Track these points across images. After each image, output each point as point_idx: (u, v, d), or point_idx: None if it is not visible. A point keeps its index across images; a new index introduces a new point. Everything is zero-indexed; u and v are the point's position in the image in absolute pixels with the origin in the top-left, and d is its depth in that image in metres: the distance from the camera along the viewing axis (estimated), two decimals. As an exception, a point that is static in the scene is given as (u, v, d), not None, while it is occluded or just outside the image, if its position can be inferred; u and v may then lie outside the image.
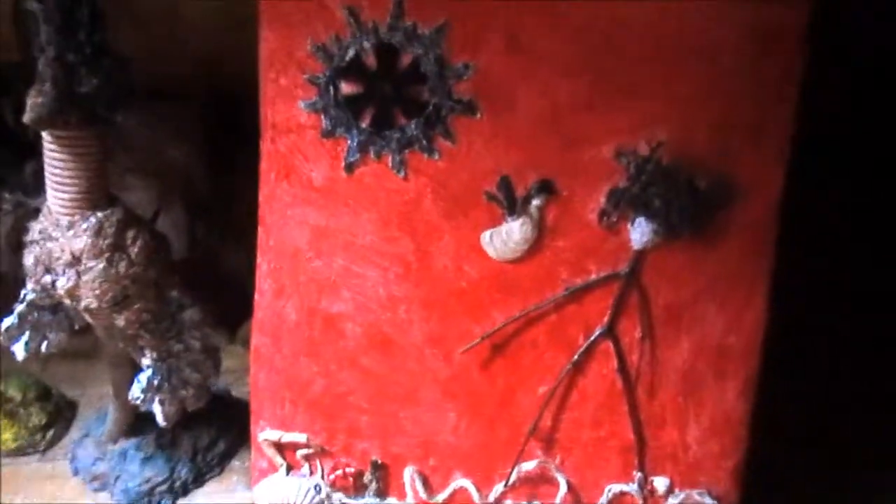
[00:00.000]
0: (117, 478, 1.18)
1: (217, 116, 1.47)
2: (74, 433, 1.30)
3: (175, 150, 1.54)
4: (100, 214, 0.94)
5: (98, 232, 0.93)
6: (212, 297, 1.20)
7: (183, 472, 1.19)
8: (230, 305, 1.33)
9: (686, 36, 0.88)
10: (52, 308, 1.03)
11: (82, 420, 1.32)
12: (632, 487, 1.03)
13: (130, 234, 0.95)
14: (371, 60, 0.90)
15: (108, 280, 0.94)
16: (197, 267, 1.54)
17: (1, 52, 1.18)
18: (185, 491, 1.19)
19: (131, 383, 1.07)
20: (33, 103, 0.86)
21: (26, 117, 0.86)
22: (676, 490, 1.03)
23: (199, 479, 1.20)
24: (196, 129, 1.51)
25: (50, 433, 1.28)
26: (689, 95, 0.90)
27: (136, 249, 0.95)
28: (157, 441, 1.21)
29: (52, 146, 0.91)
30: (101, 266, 0.93)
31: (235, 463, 1.24)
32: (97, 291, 0.94)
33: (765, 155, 0.92)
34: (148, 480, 1.17)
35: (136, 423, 1.21)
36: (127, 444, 1.21)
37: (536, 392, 1.01)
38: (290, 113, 0.93)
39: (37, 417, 1.27)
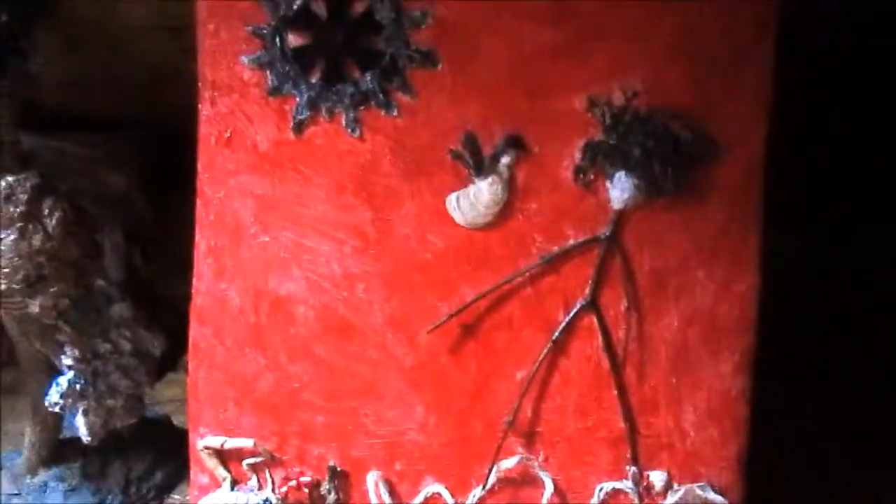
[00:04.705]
0: (36, 514, 1.07)
1: (156, 149, 1.43)
2: (-12, 472, 1.18)
3: (113, 177, 1.48)
4: (10, 178, 0.84)
5: (8, 198, 0.82)
6: (150, 324, 1.12)
7: (113, 505, 1.08)
8: (169, 334, 1.24)
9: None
10: (-44, 303, 0.90)
11: (-2, 458, 1.21)
12: (626, 484, 0.93)
13: (47, 203, 0.85)
14: (321, 9, 0.86)
15: (19, 255, 0.83)
16: (135, 293, 1.45)
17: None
18: (116, 527, 1.09)
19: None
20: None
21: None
22: (675, 485, 0.93)
23: (131, 514, 1.10)
24: (134, 159, 1.47)
25: (-42, 473, 1.14)
26: (662, 38, 0.86)
27: (53, 222, 0.84)
28: (83, 470, 1.10)
29: (-45, 94, 0.81)
30: (11, 238, 0.82)
31: (176, 498, 1.16)
32: (7, 269, 0.83)
33: (746, 102, 0.87)
34: (72, 515, 1.06)
35: (59, 450, 1.11)
36: (48, 474, 1.11)
37: (514, 378, 0.93)
38: (231, 69, 0.88)
39: (-58, 455, 1.14)
